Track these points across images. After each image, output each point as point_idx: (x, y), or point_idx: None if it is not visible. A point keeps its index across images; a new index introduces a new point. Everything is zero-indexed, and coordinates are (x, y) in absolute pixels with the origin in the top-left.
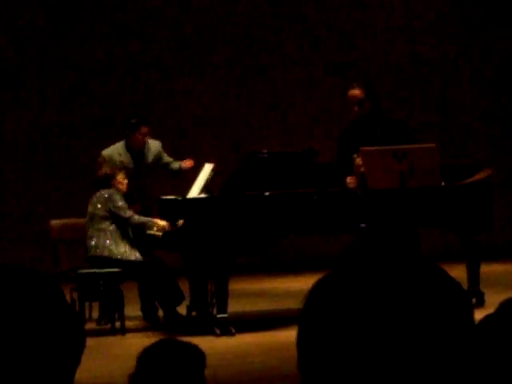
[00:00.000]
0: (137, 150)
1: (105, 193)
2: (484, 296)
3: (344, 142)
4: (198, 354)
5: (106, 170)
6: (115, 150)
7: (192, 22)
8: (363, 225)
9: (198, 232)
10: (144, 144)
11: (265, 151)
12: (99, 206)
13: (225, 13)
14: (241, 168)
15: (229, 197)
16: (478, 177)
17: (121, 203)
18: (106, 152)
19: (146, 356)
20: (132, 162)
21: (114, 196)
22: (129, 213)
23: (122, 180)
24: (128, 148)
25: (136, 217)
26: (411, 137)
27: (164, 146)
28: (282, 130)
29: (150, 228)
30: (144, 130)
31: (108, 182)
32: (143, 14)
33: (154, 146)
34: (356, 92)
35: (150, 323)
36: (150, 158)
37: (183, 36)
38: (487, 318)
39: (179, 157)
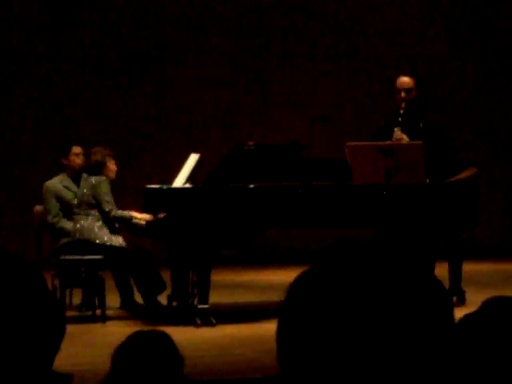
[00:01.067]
0: (76, 174)
1: (93, 179)
2: (465, 294)
3: (383, 130)
4: (168, 343)
5: (96, 157)
6: (57, 180)
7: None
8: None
9: (182, 222)
10: (82, 165)
11: (251, 143)
12: (85, 191)
13: (217, 4)
14: (226, 159)
15: (213, 188)
16: (462, 175)
17: (106, 196)
18: (48, 183)
19: (119, 354)
20: (76, 186)
21: (102, 184)
22: (108, 206)
23: (112, 167)
24: (70, 175)
25: (115, 211)
26: (450, 139)
27: (154, 136)
28: (272, 124)
29: (130, 222)
30: (76, 150)
31: (99, 169)
32: (134, 4)
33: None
34: (405, 79)
35: (127, 310)
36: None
37: (176, 27)
38: (468, 316)
39: (169, 146)
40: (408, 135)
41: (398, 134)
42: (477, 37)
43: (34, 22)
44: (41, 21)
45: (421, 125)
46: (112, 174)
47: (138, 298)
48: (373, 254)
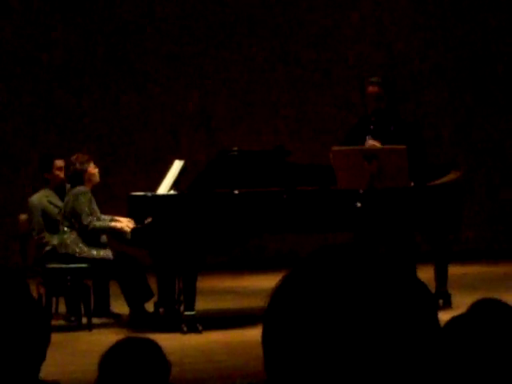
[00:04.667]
0: (61, 186)
1: (74, 191)
2: (451, 297)
3: (356, 131)
4: (155, 350)
5: (75, 166)
6: (42, 194)
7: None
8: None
9: (167, 229)
10: (64, 179)
11: (235, 149)
12: (67, 205)
13: (212, 8)
14: (211, 165)
15: (198, 194)
16: (447, 178)
17: (82, 207)
18: (33, 198)
19: (106, 360)
20: (61, 200)
21: (80, 196)
22: (86, 219)
23: (93, 171)
24: (54, 189)
25: (94, 223)
26: (423, 139)
27: (138, 143)
28: (258, 130)
29: (113, 232)
30: (59, 163)
31: (80, 177)
32: (137, 12)
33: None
34: (375, 89)
35: (102, 317)
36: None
37: (161, 29)
38: (457, 318)
39: (152, 153)
40: (381, 139)
41: (371, 142)
42: (455, 35)
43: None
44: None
45: (392, 128)
46: (95, 178)
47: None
48: (356, 258)
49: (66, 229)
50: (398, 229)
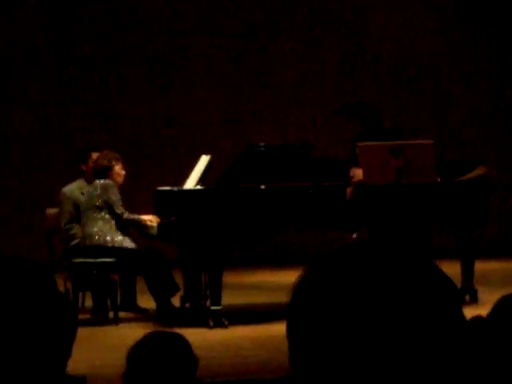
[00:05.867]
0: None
1: (100, 183)
2: (477, 293)
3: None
4: (184, 345)
5: (103, 161)
6: (75, 186)
7: (186, 19)
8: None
9: (193, 224)
10: None
11: (262, 144)
12: (94, 195)
13: (226, 4)
14: (237, 161)
15: (224, 189)
16: (474, 174)
17: (114, 197)
18: (66, 188)
19: (134, 354)
20: None
21: (110, 188)
22: (120, 209)
23: (119, 171)
24: (88, 181)
25: (127, 214)
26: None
27: (164, 138)
28: (283, 125)
29: (142, 224)
30: (95, 156)
31: (105, 173)
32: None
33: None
34: (357, 127)
35: (126, 311)
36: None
37: (179, 32)
38: (480, 317)
39: (179, 149)
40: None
41: (356, 172)
42: (473, 37)
43: (32, 25)
44: (40, 23)
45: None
46: (120, 179)
47: (150, 301)
48: (381, 253)
49: (90, 219)
50: (421, 224)
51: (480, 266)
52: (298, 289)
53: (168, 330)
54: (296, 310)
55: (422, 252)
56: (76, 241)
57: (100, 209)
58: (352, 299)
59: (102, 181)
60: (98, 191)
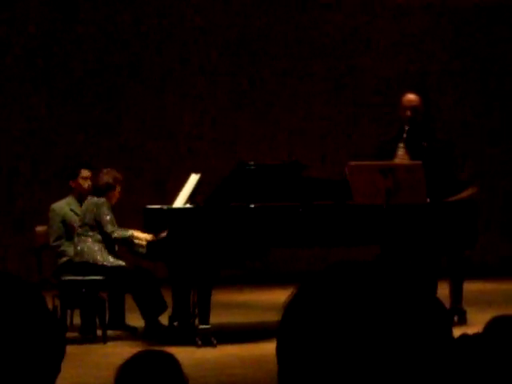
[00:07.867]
0: (83, 197)
1: (94, 201)
2: (466, 314)
3: (387, 145)
4: (174, 364)
5: (108, 179)
6: (64, 202)
7: (183, 32)
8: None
9: (183, 242)
10: (89, 189)
11: (252, 163)
12: (88, 213)
13: (218, 20)
14: (227, 179)
15: (214, 208)
16: (463, 194)
17: (106, 216)
18: (55, 205)
19: (123, 372)
20: None
21: (102, 206)
22: (110, 228)
23: (117, 194)
24: (77, 198)
25: (117, 232)
26: (455, 158)
27: (156, 153)
28: (272, 142)
29: (132, 243)
30: (85, 173)
31: (106, 191)
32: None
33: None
34: (412, 97)
35: (117, 329)
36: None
37: (174, 44)
38: (470, 336)
39: (169, 165)
40: (410, 154)
41: (402, 153)
42: (464, 54)
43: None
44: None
45: (425, 144)
46: (114, 200)
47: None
48: (371, 272)
49: (82, 237)
50: (415, 245)
51: (469, 287)
52: (288, 308)
53: (156, 348)
54: (286, 329)
55: (413, 272)
56: (65, 258)
57: (91, 227)
58: (343, 319)
59: (95, 198)
60: (90, 209)
